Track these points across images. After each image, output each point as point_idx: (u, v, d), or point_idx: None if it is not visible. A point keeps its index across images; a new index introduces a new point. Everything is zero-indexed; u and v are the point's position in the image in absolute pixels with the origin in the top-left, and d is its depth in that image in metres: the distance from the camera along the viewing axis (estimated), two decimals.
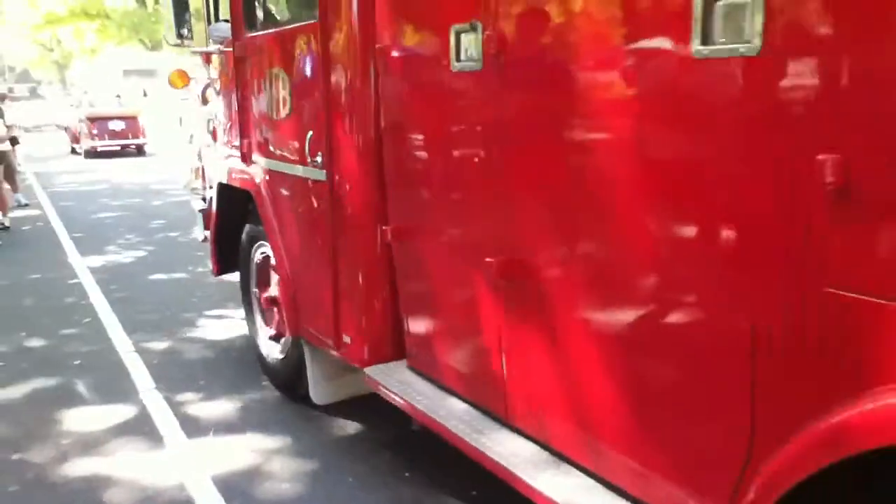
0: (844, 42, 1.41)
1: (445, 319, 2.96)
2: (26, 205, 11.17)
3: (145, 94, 22.54)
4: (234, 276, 4.82)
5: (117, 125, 20.19)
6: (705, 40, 1.62)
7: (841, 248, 1.46)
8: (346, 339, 3.34)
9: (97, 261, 7.75)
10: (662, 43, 1.76)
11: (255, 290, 4.48)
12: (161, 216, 10.27)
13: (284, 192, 3.74)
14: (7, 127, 10.35)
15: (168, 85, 5.34)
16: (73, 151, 21.36)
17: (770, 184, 1.56)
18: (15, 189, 11.09)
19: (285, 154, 3.66)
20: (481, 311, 2.64)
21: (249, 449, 3.68)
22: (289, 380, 4.13)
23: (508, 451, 2.44)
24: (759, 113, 1.56)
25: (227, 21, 4.12)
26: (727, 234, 1.69)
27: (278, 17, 3.90)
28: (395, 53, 2.92)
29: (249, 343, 4.73)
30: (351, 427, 3.89)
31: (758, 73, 1.55)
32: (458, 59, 2.51)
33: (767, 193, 1.57)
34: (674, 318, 1.89)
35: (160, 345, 5.19)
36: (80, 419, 4.06)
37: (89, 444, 3.78)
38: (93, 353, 5.09)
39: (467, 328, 2.77)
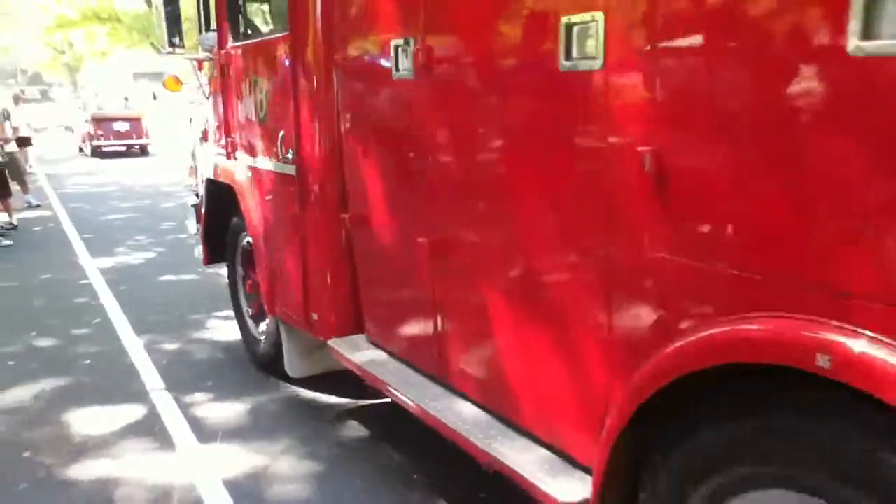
0: (653, 65, 1.84)
1: (392, 294, 3.38)
2: (37, 205, 11.25)
3: (155, 97, 22.80)
4: None
5: (122, 126, 21.06)
6: (568, 55, 2.07)
7: (665, 221, 1.87)
8: (314, 316, 3.72)
9: (107, 262, 7.79)
10: (537, 61, 2.21)
11: (240, 277, 4.87)
12: (171, 218, 10.31)
13: (261, 186, 4.15)
14: (14, 128, 10.43)
15: (164, 88, 5.72)
16: (81, 151, 22.11)
17: (613, 173, 1.99)
18: (25, 190, 11.17)
19: (262, 152, 4.07)
20: (418, 286, 3.05)
21: (258, 450, 3.68)
22: (269, 357, 4.49)
23: (442, 406, 2.86)
24: (600, 118, 2.01)
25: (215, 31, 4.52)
26: (589, 214, 2.11)
27: (256, 30, 4.35)
28: (350, 64, 3.34)
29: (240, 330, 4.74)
30: (360, 429, 3.90)
31: (600, 85, 1.99)
32: (397, 69, 2.92)
33: (614, 181, 1.99)
34: (554, 283, 2.34)
35: (169, 346, 5.21)
36: (89, 419, 4.08)
37: (99, 444, 3.79)
38: (102, 353, 5.11)
39: (408, 301, 3.21)
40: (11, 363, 4.97)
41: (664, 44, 1.82)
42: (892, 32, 1.37)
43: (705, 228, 1.79)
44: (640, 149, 1.87)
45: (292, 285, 3.88)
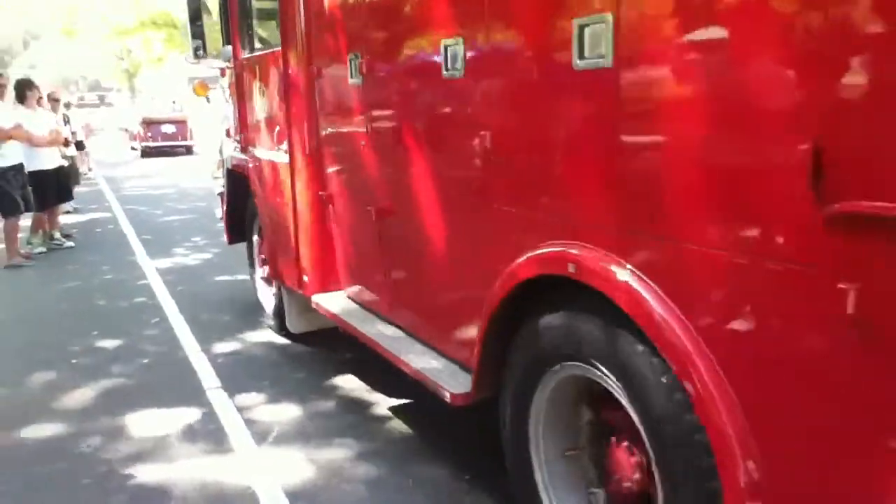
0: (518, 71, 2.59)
1: (355, 254, 4.18)
2: (75, 209, 11.43)
3: (209, 101, 23.49)
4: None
5: (168, 128, 22.96)
6: (447, 67, 2.92)
7: (501, 186, 2.73)
8: (305, 278, 4.51)
9: (165, 262, 7.95)
10: (431, 70, 3.04)
11: (255, 250, 5.85)
12: None
13: (265, 173, 5.04)
14: (72, 132, 10.69)
15: (193, 93, 6.83)
16: (133, 149, 24.07)
17: (471, 151, 2.83)
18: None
19: (265, 144, 4.99)
20: (369, 245, 3.88)
21: (314, 452, 3.70)
22: (276, 317, 5.39)
23: (383, 334, 3.73)
24: (464, 117, 2.87)
25: None
26: (463, 182, 2.95)
27: (260, 44, 5.06)
28: (323, 73, 4.17)
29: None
30: (414, 431, 3.89)
31: (464, 92, 2.84)
32: (352, 77, 3.78)
33: (472, 156, 2.84)
34: (446, 238, 3.18)
35: (225, 346, 5.29)
36: (148, 417, 4.15)
37: (157, 442, 3.86)
38: (161, 352, 5.21)
39: (364, 258, 4.04)
40: (74, 361, 5.10)
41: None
42: (595, 53, 2.15)
43: (521, 190, 2.62)
44: (482, 133, 2.76)
45: (288, 253, 4.70)
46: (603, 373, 2.25)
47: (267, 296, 5.61)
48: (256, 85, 5.11)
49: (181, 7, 6.03)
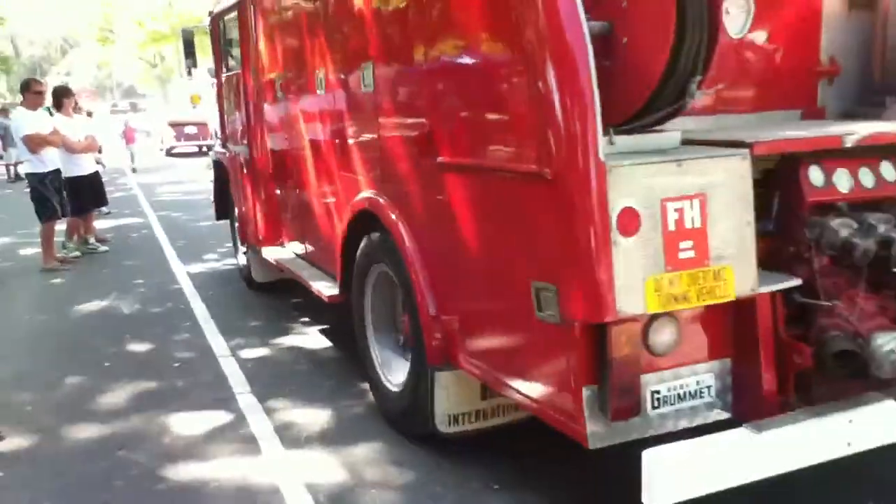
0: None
1: (286, 218, 5.92)
2: (108, 213, 11.56)
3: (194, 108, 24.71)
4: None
5: (191, 129, 25.52)
6: (321, 87, 4.65)
7: (341, 156, 4.45)
8: (261, 237, 6.16)
9: (197, 268, 8.05)
10: (314, 90, 4.75)
11: (234, 224, 7.38)
12: None
13: (235, 162, 6.76)
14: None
15: (190, 102, 8.63)
16: (161, 150, 26.30)
17: (342, 141, 4.40)
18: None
19: (234, 141, 6.78)
20: (291, 210, 5.74)
21: (342, 456, 3.72)
22: (246, 270, 6.98)
23: (300, 268, 5.38)
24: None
25: None
26: (336, 162, 4.53)
27: (231, 67, 6.72)
28: (265, 89, 5.85)
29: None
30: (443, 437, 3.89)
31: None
32: (278, 95, 5.55)
33: (344, 146, 4.38)
34: (327, 195, 4.80)
35: (255, 350, 5.34)
36: (178, 420, 4.21)
37: (187, 445, 3.91)
38: (192, 357, 5.27)
39: (289, 219, 5.84)
40: (107, 364, 5.18)
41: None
42: (368, 82, 3.91)
43: (349, 162, 4.29)
44: (333, 128, 4.49)
45: (249, 220, 6.41)
46: (388, 265, 3.81)
47: (241, 257, 7.18)
48: (230, 96, 6.82)
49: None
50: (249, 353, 5.27)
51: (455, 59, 3.06)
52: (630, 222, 2.32)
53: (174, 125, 25.87)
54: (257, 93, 5.96)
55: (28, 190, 8.68)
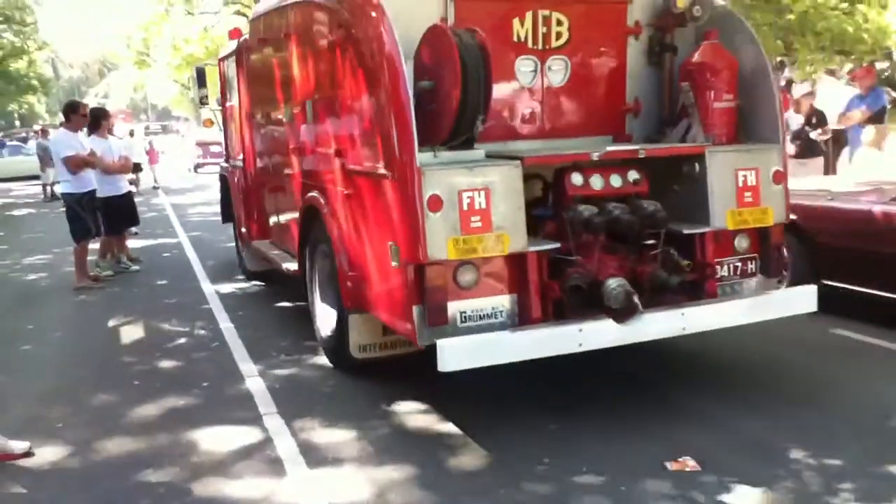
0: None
1: (269, 217, 7.27)
2: (136, 234, 11.64)
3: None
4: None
5: (216, 148, 26.33)
6: (286, 119, 6.25)
7: (299, 166, 6.00)
8: (251, 234, 7.75)
9: (226, 287, 8.12)
10: (281, 116, 6.39)
11: (236, 225, 8.71)
12: None
13: (234, 175, 8.41)
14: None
15: (203, 127, 11.38)
16: (188, 169, 28.10)
17: (289, 154, 6.24)
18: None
19: (233, 156, 8.44)
20: (271, 210, 7.13)
21: (367, 477, 3.73)
22: (242, 262, 8.57)
23: (272, 253, 6.91)
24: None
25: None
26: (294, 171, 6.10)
27: (231, 98, 8.36)
28: (251, 116, 7.44)
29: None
30: (470, 458, 3.89)
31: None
32: (259, 122, 7.14)
33: (290, 159, 6.22)
34: (294, 195, 6.07)
35: (282, 371, 5.36)
36: (206, 440, 4.24)
37: (214, 464, 3.93)
38: (219, 376, 5.31)
39: (271, 217, 7.17)
40: (137, 383, 5.24)
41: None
42: (314, 116, 5.47)
43: (301, 170, 5.92)
44: (293, 145, 6.04)
45: (243, 218, 7.99)
46: (325, 244, 5.15)
47: (241, 251, 8.62)
48: (230, 122, 8.54)
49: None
50: (276, 373, 5.30)
51: (349, 104, 4.63)
52: (436, 204, 3.82)
53: (201, 144, 27.92)
54: (245, 120, 7.60)
55: (63, 209, 8.83)
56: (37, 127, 30.21)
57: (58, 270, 9.49)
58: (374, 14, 4.08)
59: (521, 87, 4.78)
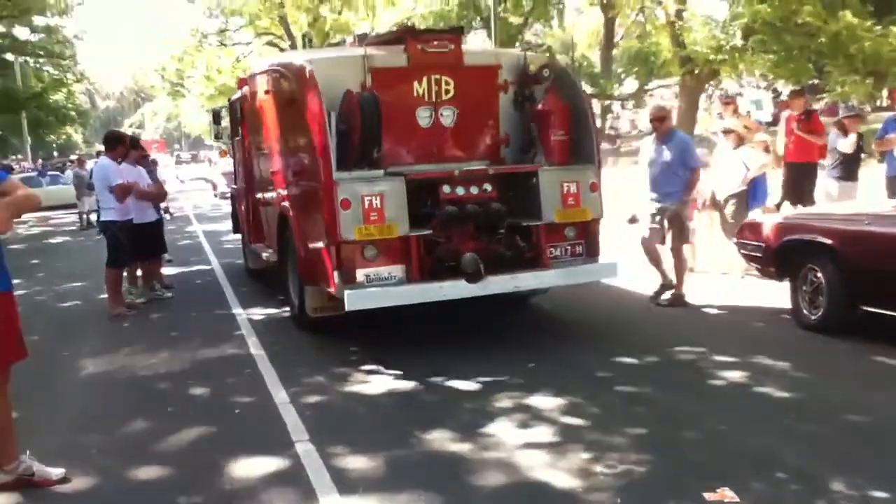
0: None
1: (262, 225, 9.05)
2: (169, 261, 11.73)
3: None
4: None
5: None
6: (270, 150, 8.32)
7: (278, 187, 7.79)
8: (250, 238, 9.84)
9: (258, 314, 8.17)
10: (271, 147, 8.23)
11: (242, 234, 10.80)
12: None
13: (239, 194, 10.61)
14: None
15: (219, 157, 13.84)
16: (214, 196, 28.53)
17: (269, 177, 8.17)
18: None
19: (238, 180, 10.67)
20: (262, 219, 9.09)
21: None
22: (246, 265, 10.79)
23: (264, 253, 8.95)
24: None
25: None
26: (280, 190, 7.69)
27: (237, 134, 10.24)
28: (248, 148, 9.52)
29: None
30: (501, 485, 3.84)
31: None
32: (253, 153, 9.23)
33: (272, 180, 8.05)
34: (276, 207, 7.86)
35: (314, 397, 5.37)
36: (238, 467, 4.24)
37: (247, 492, 3.94)
38: (252, 403, 5.33)
39: (263, 225, 9.06)
40: (171, 409, 5.27)
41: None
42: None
43: (278, 188, 7.84)
44: (272, 170, 7.96)
45: (244, 227, 10.15)
46: (292, 238, 6.97)
47: (246, 255, 10.80)
48: (237, 153, 10.54)
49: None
50: (308, 400, 5.30)
51: (298, 142, 6.77)
52: (346, 204, 5.81)
53: (226, 173, 28.60)
54: (243, 152, 9.77)
55: (100, 237, 8.95)
56: (73, 157, 30.91)
57: (92, 297, 9.62)
58: (309, 83, 6.17)
59: (421, 127, 6.69)
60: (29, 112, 28.28)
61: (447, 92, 6.68)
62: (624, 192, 9.54)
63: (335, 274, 5.97)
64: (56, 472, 4.14)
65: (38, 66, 32.59)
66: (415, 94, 6.60)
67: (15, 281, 4.29)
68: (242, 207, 10.24)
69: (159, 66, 41.62)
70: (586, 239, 6.61)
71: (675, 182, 7.47)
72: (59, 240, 18.34)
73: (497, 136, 7.01)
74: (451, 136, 6.81)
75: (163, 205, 11.21)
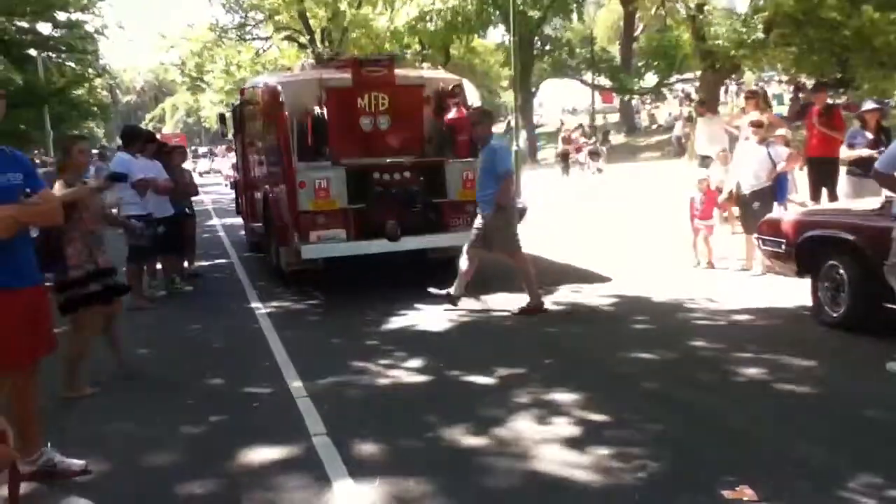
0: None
1: (255, 207, 11.23)
2: (198, 275, 11.74)
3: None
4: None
5: None
6: (257, 149, 11.41)
7: (264, 180, 10.64)
8: (247, 217, 12.75)
9: (277, 308, 8.22)
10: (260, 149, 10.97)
11: (244, 217, 13.19)
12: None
13: (238, 182, 13.84)
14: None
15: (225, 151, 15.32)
16: (224, 185, 30.45)
17: (260, 174, 10.91)
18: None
19: (238, 172, 13.98)
20: (255, 204, 11.22)
21: (416, 498, 3.71)
22: (248, 240, 13.12)
23: (258, 231, 11.16)
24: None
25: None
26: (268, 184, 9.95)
27: (237, 133, 13.02)
28: (246, 145, 12.15)
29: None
30: (504, 475, 3.85)
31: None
32: (248, 147, 11.98)
33: (263, 176, 10.52)
34: (264, 198, 10.12)
35: (332, 390, 5.39)
36: (255, 459, 4.27)
37: (263, 484, 3.95)
38: (270, 395, 5.36)
39: (257, 208, 11.06)
40: (191, 402, 5.31)
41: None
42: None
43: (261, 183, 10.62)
44: (259, 162, 10.87)
45: (245, 209, 12.73)
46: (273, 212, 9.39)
47: (248, 233, 12.97)
48: (238, 148, 13.23)
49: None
50: (325, 393, 5.32)
51: (272, 140, 9.15)
52: (302, 185, 8.16)
53: (233, 166, 29.93)
54: (242, 146, 12.32)
55: (121, 232, 8.96)
56: (94, 150, 31.15)
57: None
58: (278, 98, 8.69)
59: (364, 131, 8.75)
60: (51, 107, 28.46)
61: (383, 104, 8.82)
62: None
63: (295, 235, 8.29)
64: (77, 463, 4.18)
65: (60, 60, 32.84)
66: (358, 106, 8.71)
67: None
68: (240, 193, 13.37)
69: (179, 61, 41.89)
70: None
71: (489, 189, 7.46)
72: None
73: (420, 138, 9.27)
74: (385, 138, 8.89)
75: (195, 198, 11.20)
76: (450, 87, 9.45)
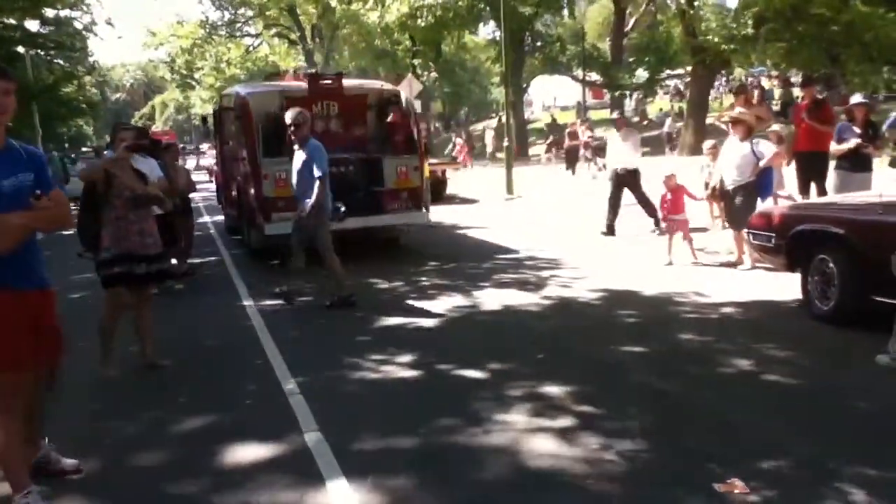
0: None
1: (230, 192, 13.06)
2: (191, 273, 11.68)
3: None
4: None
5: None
6: (231, 148, 13.34)
7: (245, 175, 11.77)
8: (224, 204, 14.65)
9: (268, 305, 8.20)
10: (239, 149, 12.07)
11: (230, 209, 13.65)
12: None
13: (218, 176, 16.14)
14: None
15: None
16: (210, 181, 29.72)
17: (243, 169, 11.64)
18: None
19: (219, 169, 15.79)
20: (233, 193, 12.62)
21: (408, 494, 3.72)
22: (225, 225, 14.90)
23: (235, 217, 12.94)
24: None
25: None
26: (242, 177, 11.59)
27: (217, 133, 14.55)
28: (223, 148, 13.94)
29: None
30: (495, 469, 3.86)
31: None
32: (225, 149, 13.77)
33: (242, 171, 11.68)
34: (241, 190, 11.80)
35: (324, 388, 5.38)
36: (247, 457, 4.26)
37: (255, 481, 3.95)
38: (261, 392, 5.36)
39: (231, 193, 12.90)
40: (182, 400, 5.31)
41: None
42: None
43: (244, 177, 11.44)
44: (233, 158, 12.58)
45: (225, 198, 14.36)
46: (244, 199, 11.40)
47: (233, 223, 13.58)
48: (217, 146, 15.21)
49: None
50: (318, 390, 5.31)
51: (242, 140, 11.01)
52: (266, 177, 10.22)
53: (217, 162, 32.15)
54: (221, 146, 13.94)
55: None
56: (86, 148, 31.00)
57: (101, 289, 9.64)
58: (247, 106, 10.70)
59: (317, 132, 9.55)
60: (40, 104, 28.34)
61: (334, 110, 11.52)
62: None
63: (261, 216, 10.19)
64: (70, 462, 4.17)
65: (49, 58, 32.69)
66: (314, 111, 10.60)
67: None
68: (219, 184, 15.68)
69: (169, 58, 41.75)
70: (413, 199, 10.86)
71: (309, 189, 7.75)
72: (71, 231, 18.38)
73: (365, 138, 11.75)
74: (336, 138, 10.95)
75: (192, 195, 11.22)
76: (389, 95, 12.02)
